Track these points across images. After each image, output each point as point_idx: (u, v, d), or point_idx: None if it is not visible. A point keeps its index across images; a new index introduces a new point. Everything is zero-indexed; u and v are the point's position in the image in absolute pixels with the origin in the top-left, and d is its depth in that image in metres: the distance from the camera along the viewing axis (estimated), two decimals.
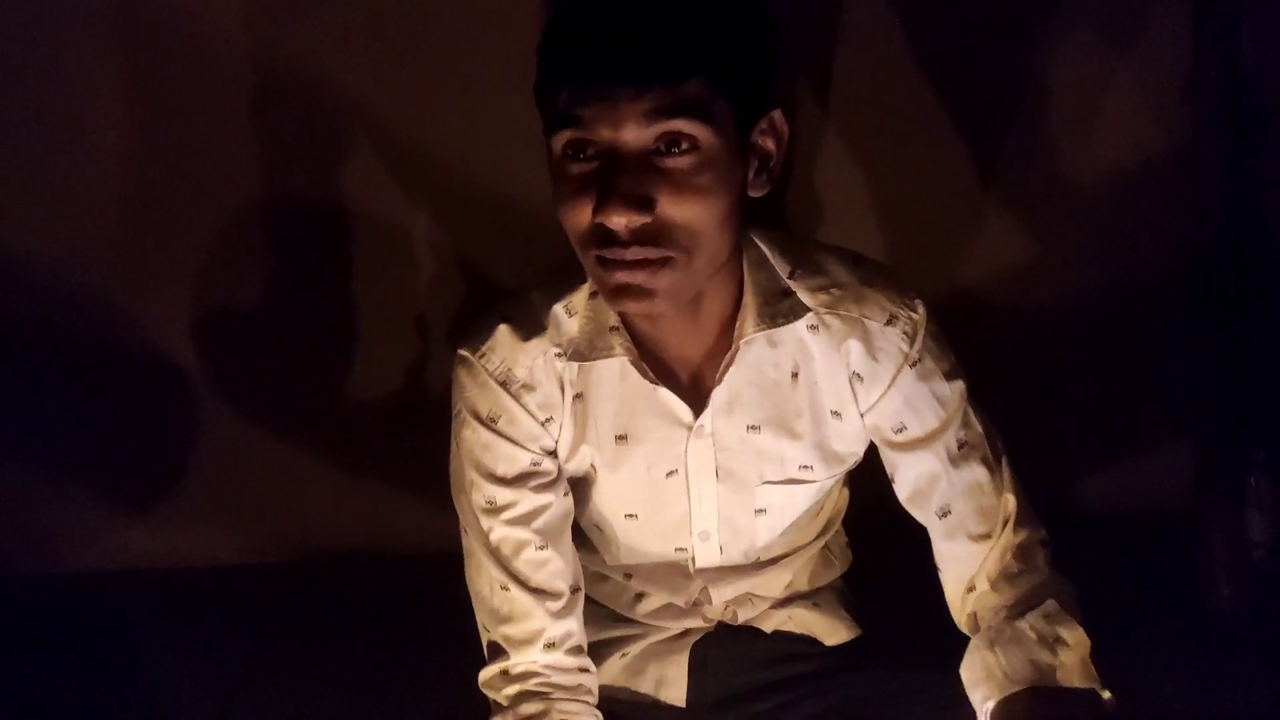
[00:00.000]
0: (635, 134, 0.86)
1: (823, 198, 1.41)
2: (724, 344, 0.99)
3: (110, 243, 1.41)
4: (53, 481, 1.45)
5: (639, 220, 0.86)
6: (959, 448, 1.00)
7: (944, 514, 1.01)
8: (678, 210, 0.87)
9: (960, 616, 1.02)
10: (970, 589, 1.01)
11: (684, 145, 0.86)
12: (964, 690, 1.00)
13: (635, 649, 1.12)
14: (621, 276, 0.88)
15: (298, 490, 1.45)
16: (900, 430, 1.01)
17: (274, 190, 1.40)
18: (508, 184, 1.36)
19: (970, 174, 1.40)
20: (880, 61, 1.37)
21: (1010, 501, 1.01)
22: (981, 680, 0.96)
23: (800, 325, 0.99)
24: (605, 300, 0.95)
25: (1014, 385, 1.37)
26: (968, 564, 1.01)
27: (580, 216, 0.88)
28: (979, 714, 0.97)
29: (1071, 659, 0.95)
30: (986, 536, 1.00)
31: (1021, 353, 1.43)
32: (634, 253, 0.87)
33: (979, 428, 1.01)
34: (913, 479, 1.02)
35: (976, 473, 1.00)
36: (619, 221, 0.86)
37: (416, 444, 1.27)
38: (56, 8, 1.33)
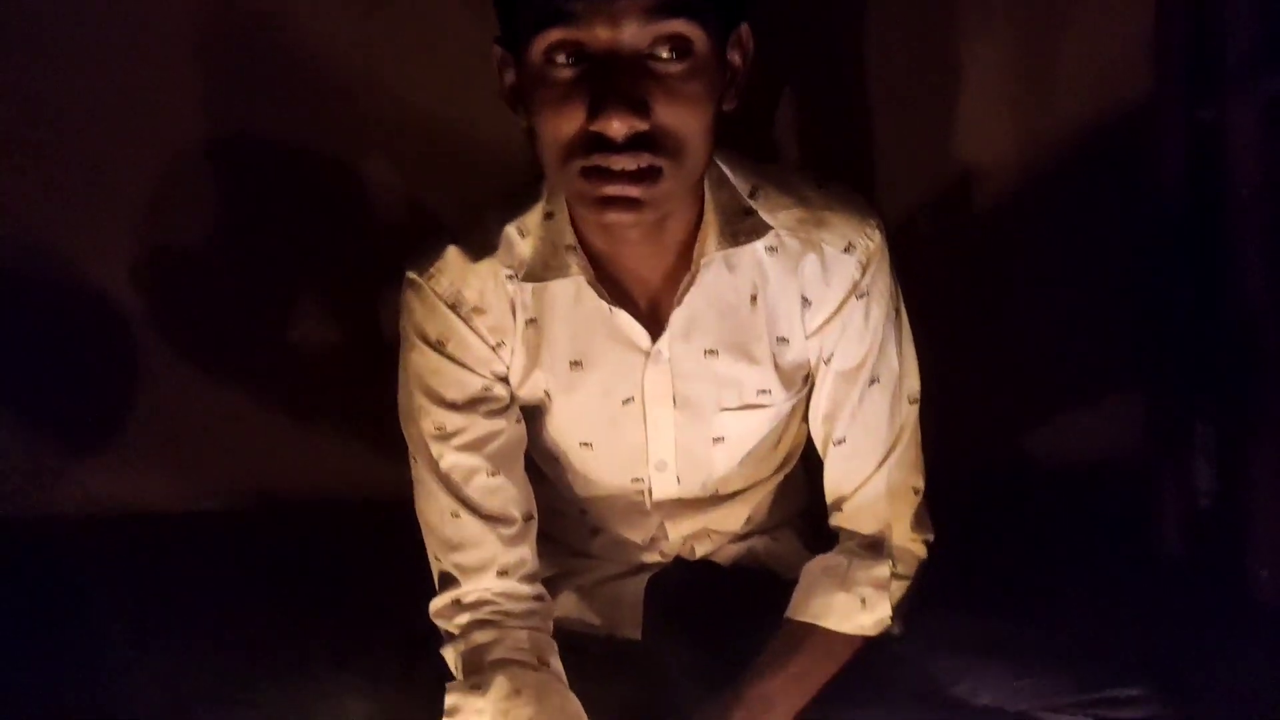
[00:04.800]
0: (634, 33, 0.83)
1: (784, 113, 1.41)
2: (682, 267, 0.98)
3: (50, 186, 1.37)
4: None
5: (639, 125, 0.83)
6: (870, 383, 1.01)
7: (839, 442, 1.03)
8: (671, 117, 0.85)
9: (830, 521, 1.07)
10: (837, 507, 1.05)
11: (678, 49, 0.84)
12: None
13: (590, 582, 1.10)
14: (613, 189, 0.85)
15: (245, 436, 1.42)
16: (829, 358, 1.01)
17: (217, 131, 1.37)
18: (459, 119, 1.33)
19: (925, 121, 1.41)
20: None
21: (898, 445, 1.03)
22: (800, 591, 1.03)
23: (759, 247, 0.98)
24: (587, 213, 0.91)
25: (963, 338, 1.39)
26: (842, 486, 1.04)
27: (566, 124, 0.85)
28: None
29: (866, 619, 1.01)
30: (866, 473, 1.03)
31: (971, 305, 1.43)
32: (628, 159, 0.84)
33: (895, 366, 1.02)
34: (825, 401, 1.03)
35: (878, 410, 1.02)
36: (618, 127, 0.83)
37: (366, 387, 1.24)
38: None
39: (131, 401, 1.42)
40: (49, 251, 1.39)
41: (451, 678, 0.97)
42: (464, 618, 0.97)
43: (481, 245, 0.98)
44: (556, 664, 0.97)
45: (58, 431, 1.42)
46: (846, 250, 0.98)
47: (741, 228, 0.97)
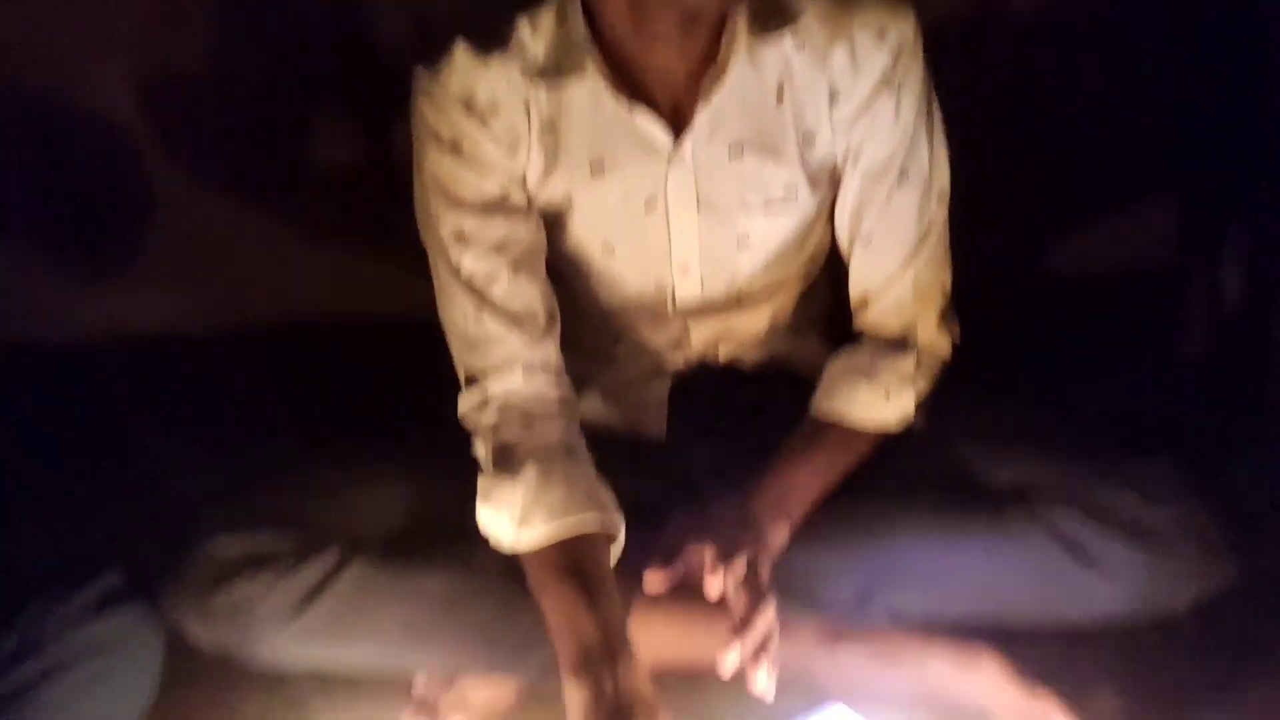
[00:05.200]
0: None
1: None
2: (705, 64, 0.95)
3: (52, 14, 1.32)
4: (4, 252, 1.39)
5: None
6: (899, 179, 0.99)
7: (866, 240, 1.02)
8: None
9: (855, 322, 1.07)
10: (862, 306, 1.05)
11: None
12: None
13: (614, 384, 1.10)
14: None
15: (261, 255, 1.40)
16: (857, 155, 0.99)
17: None
18: None
19: None
20: None
21: (926, 243, 1.01)
22: (824, 385, 1.04)
23: (786, 41, 0.95)
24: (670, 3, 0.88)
25: (995, 144, 1.35)
26: (868, 284, 1.03)
27: None
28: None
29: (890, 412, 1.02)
30: (892, 270, 1.02)
31: (1002, 110, 1.39)
32: None
33: (925, 162, 1.00)
34: (851, 198, 1.01)
35: (906, 207, 1.00)
36: None
37: (385, 204, 1.23)
38: None
39: (148, 226, 1.39)
40: (55, 77, 1.35)
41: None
42: (492, 415, 0.97)
43: (492, 43, 0.95)
44: (585, 455, 0.98)
45: (75, 257, 1.40)
46: (879, 36, 0.95)
47: (770, 16, 0.94)
